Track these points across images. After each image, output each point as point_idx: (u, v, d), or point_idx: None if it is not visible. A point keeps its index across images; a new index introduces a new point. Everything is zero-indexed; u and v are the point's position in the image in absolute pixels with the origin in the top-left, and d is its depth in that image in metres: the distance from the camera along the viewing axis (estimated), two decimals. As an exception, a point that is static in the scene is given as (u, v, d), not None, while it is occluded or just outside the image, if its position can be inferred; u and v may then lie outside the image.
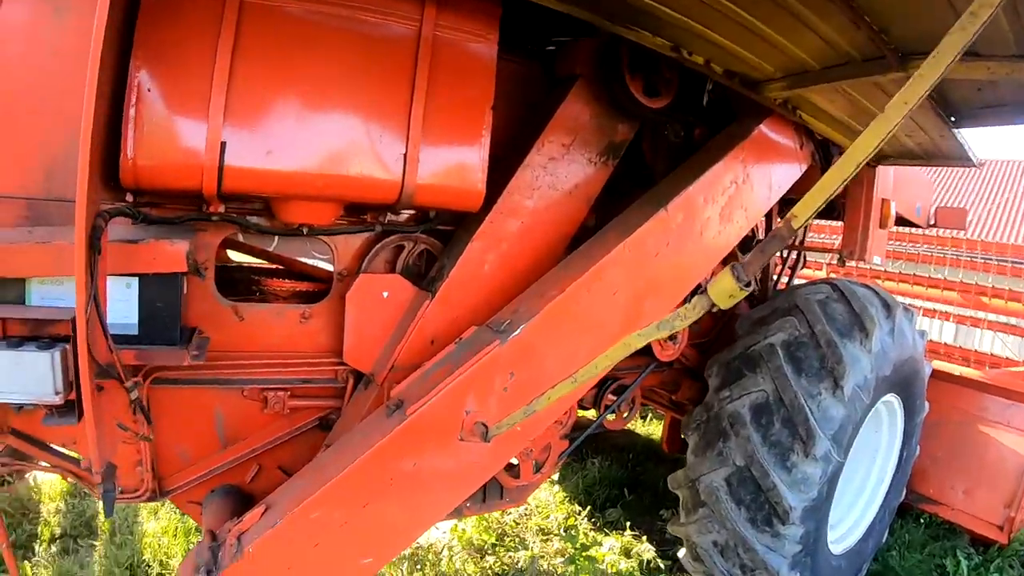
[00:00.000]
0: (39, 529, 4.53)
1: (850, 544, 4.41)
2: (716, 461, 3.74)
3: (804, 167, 3.96)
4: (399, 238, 3.26)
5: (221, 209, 2.85)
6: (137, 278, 2.64)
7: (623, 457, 6.44)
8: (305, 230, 2.98)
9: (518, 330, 2.82)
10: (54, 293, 2.59)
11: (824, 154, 4.10)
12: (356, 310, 3.14)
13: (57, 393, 2.44)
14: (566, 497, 5.76)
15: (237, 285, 3.79)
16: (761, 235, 4.55)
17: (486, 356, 2.76)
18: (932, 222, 5.96)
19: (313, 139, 2.67)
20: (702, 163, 3.43)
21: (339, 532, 2.67)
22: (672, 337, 3.94)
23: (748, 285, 1.70)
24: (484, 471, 2.94)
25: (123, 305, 2.66)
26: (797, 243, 5.22)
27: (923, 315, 9.05)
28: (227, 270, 3.97)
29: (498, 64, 3.41)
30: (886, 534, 4.89)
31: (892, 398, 4.46)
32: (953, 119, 3.39)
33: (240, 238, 3.16)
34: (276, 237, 3.24)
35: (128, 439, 2.96)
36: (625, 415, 4.30)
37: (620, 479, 6.00)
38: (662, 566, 4.75)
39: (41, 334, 2.59)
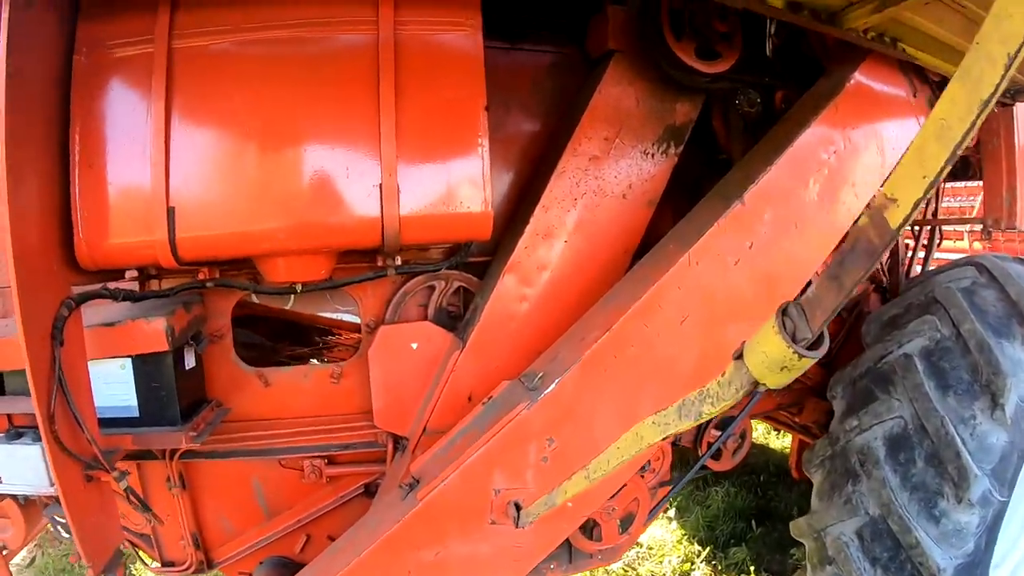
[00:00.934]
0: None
1: (1018, 584, 3.36)
2: (844, 510, 2.90)
3: (922, 119, 3.04)
4: (426, 278, 2.78)
5: (216, 275, 2.59)
6: (130, 359, 2.45)
7: (752, 481, 5.55)
8: (299, 287, 2.55)
9: (552, 386, 2.22)
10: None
11: None
12: (382, 367, 2.72)
13: (52, 484, 2.26)
14: (684, 535, 4.99)
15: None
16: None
17: (512, 422, 2.19)
18: None
19: (267, 189, 2.25)
20: (786, 135, 2.64)
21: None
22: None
23: (816, 345, 1.02)
24: (529, 556, 2.36)
25: (121, 387, 2.51)
26: (929, 215, 4.11)
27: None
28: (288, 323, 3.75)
29: (523, 55, 2.86)
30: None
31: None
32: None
33: (254, 299, 2.80)
34: (291, 297, 2.85)
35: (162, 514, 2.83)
36: (734, 453, 3.53)
37: (747, 509, 5.14)
38: (791, 620, 3.91)
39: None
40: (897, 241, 3.84)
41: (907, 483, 2.74)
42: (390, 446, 2.85)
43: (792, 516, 3.43)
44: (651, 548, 4.77)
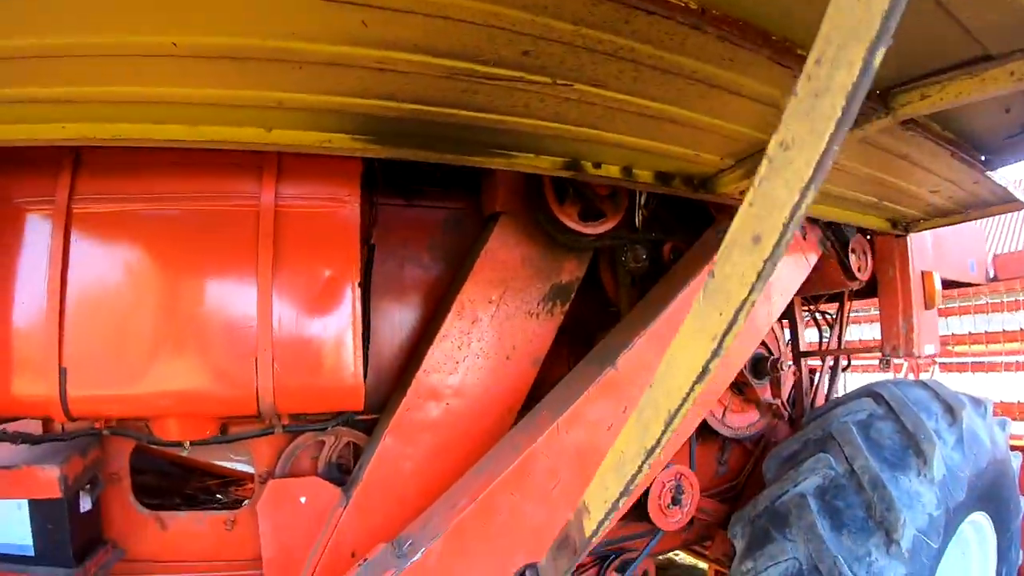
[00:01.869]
0: None
1: None
2: (744, 659, 2.90)
3: (813, 259, 3.20)
4: (316, 433, 2.83)
5: (112, 423, 2.65)
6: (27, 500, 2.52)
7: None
8: (187, 444, 2.59)
9: (418, 554, 2.25)
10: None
11: (837, 236, 3.30)
12: (270, 520, 2.73)
13: None
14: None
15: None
16: (780, 352, 3.71)
17: None
18: (992, 275, 4.78)
19: (153, 357, 2.32)
20: (666, 295, 2.75)
21: None
22: (676, 499, 3.17)
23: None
24: None
25: (18, 527, 2.55)
26: (834, 343, 4.21)
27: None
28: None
29: (419, 211, 2.96)
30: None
31: (977, 516, 3.40)
32: (984, 159, 2.62)
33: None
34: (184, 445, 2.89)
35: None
36: (637, 595, 3.51)
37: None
38: None
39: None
40: (801, 370, 3.96)
41: (803, 629, 2.75)
42: None
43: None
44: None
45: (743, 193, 2.64)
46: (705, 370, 0.84)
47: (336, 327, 2.40)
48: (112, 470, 2.79)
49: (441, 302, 2.91)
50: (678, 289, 2.74)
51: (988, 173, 2.68)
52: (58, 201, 2.34)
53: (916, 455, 2.95)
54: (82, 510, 2.63)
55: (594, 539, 1.05)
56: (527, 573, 1.12)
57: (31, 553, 2.52)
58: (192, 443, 2.61)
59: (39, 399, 2.28)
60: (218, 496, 3.51)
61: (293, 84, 1.80)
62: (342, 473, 2.84)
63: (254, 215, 2.38)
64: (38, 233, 2.34)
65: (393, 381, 2.87)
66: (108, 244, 2.38)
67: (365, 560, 2.48)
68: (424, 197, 3.03)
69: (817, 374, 4.16)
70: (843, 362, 4.23)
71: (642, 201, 2.90)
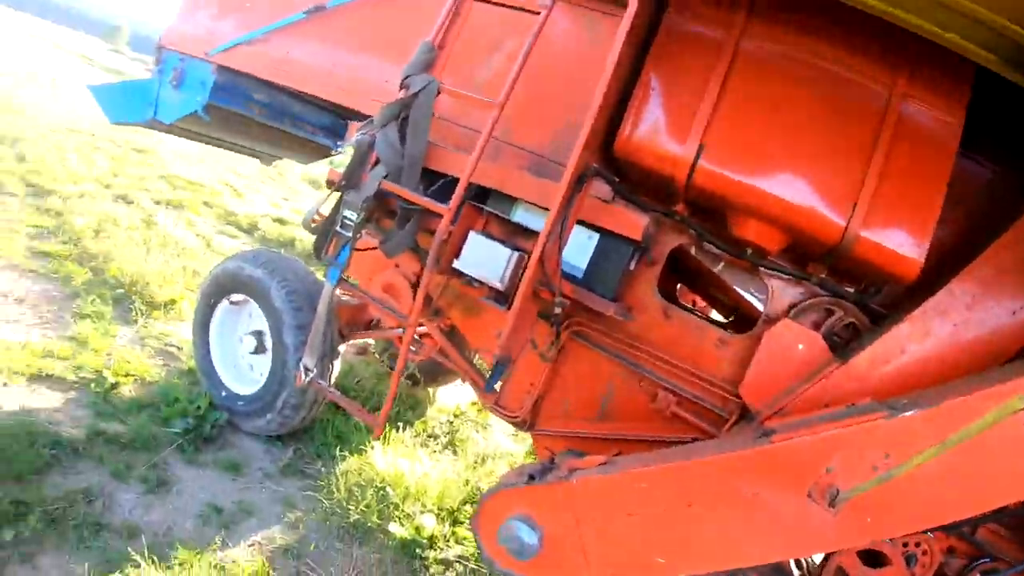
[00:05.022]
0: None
1: None
2: None
3: None
4: (830, 301, 3.38)
5: (684, 213, 3.44)
6: (598, 235, 3.41)
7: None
8: (749, 251, 3.32)
9: (911, 411, 2.60)
10: (531, 218, 3.54)
11: None
12: (768, 350, 3.30)
13: (500, 281, 3.36)
14: None
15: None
16: None
17: (868, 422, 2.63)
18: None
19: (775, 165, 3.05)
20: None
21: (654, 515, 2.80)
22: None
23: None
24: (819, 541, 2.75)
25: (579, 251, 3.46)
26: None
27: None
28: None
29: (963, 161, 3.26)
30: None
31: None
32: None
33: (692, 252, 3.63)
34: (722, 262, 3.62)
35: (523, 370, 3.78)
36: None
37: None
38: None
39: (509, 240, 3.55)
40: None
41: None
42: (734, 417, 3.42)
43: None
44: None
45: None
46: None
47: (921, 210, 2.92)
48: (656, 254, 3.55)
49: (965, 244, 3.20)
50: None
51: None
52: (732, 32, 3.17)
53: None
54: (630, 267, 3.42)
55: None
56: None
57: (579, 276, 3.39)
58: (754, 253, 3.34)
59: (671, 158, 3.15)
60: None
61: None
62: (832, 344, 3.28)
63: (883, 97, 2.99)
64: (706, 48, 3.19)
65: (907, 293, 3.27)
66: (760, 73, 3.14)
67: (851, 405, 2.93)
68: (977, 151, 3.31)
69: None
70: None
71: None
